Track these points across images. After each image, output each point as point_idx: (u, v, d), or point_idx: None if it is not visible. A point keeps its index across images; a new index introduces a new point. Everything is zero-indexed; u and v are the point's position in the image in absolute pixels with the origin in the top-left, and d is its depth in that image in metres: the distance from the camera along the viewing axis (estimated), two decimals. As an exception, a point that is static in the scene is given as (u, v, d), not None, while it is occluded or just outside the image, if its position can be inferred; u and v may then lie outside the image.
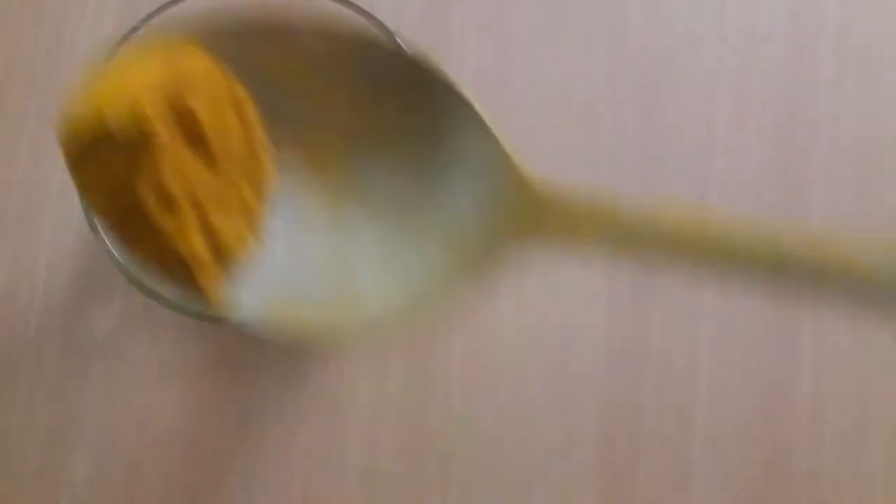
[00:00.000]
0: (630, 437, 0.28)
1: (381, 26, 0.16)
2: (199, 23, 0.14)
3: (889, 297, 0.12)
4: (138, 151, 0.13)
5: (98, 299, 0.28)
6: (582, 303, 0.29)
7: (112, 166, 0.13)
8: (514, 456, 0.27)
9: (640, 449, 0.28)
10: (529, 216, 0.14)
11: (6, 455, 0.27)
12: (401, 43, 0.16)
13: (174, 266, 0.13)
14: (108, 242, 0.21)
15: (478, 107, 0.14)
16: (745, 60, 0.30)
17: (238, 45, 0.14)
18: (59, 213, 0.28)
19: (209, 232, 0.14)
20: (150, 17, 0.17)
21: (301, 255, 0.15)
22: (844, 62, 0.30)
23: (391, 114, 0.15)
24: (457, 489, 0.27)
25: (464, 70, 0.15)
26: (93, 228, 0.22)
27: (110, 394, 0.27)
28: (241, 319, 0.14)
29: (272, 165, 0.15)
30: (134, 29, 0.17)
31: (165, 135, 0.13)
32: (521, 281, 0.28)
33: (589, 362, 0.28)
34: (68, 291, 0.28)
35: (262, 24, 0.14)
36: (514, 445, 0.28)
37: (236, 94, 0.14)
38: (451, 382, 0.28)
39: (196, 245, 0.13)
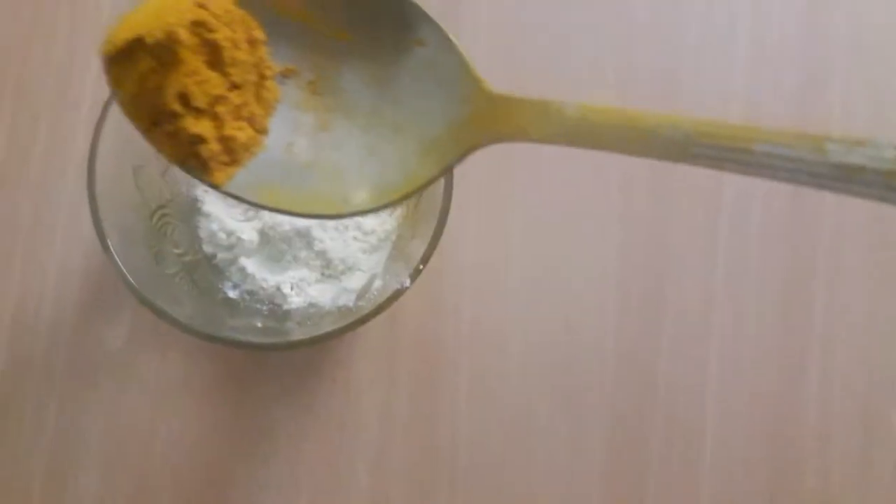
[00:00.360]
0: (637, 456, 0.28)
1: None
2: None
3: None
4: (168, 62, 0.16)
5: (107, 317, 0.28)
6: (590, 322, 0.29)
7: (147, 78, 0.16)
8: (520, 474, 0.27)
9: (647, 468, 0.28)
10: (486, 117, 0.17)
11: (14, 468, 0.27)
12: None
13: (192, 160, 0.17)
14: (119, 261, 0.22)
15: (443, 27, 0.18)
16: (755, 80, 0.30)
17: None
18: (70, 233, 0.29)
19: (223, 137, 0.17)
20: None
21: (293, 153, 0.19)
22: (852, 80, 0.30)
23: (371, 38, 0.18)
24: (463, 507, 0.27)
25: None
26: (104, 247, 0.22)
27: (118, 409, 0.28)
28: (240, 196, 0.18)
29: (276, 87, 0.19)
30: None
31: (192, 57, 0.16)
32: (529, 297, 0.29)
33: (596, 381, 0.28)
34: (78, 309, 0.28)
35: None
36: (520, 464, 0.27)
37: (251, 31, 0.18)
38: (458, 401, 0.28)
39: (212, 145, 0.17)
